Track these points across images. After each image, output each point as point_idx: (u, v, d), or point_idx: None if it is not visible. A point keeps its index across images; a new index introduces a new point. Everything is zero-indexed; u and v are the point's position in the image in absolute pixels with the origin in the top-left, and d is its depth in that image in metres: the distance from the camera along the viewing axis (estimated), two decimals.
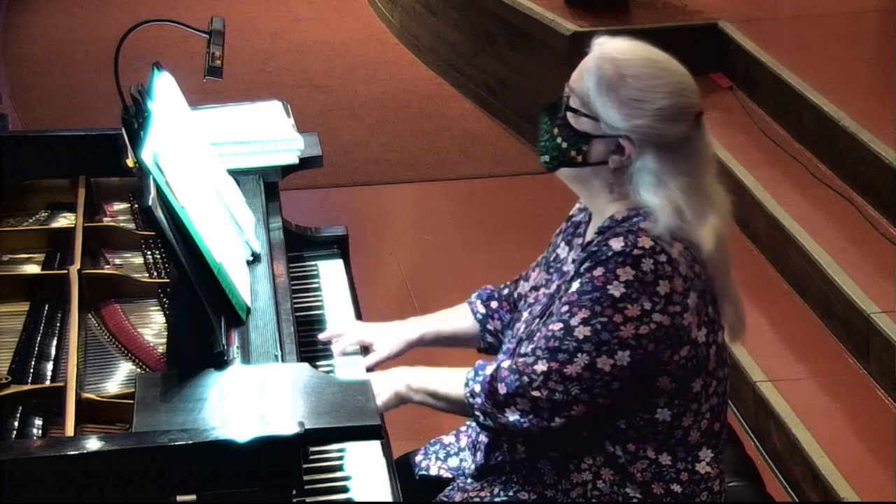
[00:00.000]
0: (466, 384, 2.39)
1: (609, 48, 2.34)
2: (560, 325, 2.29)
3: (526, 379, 2.30)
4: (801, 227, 4.43)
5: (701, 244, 2.30)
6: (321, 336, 2.74)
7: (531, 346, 2.34)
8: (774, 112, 5.24)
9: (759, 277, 4.48)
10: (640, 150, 2.30)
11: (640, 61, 2.32)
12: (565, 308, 2.29)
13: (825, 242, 4.32)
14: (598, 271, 2.26)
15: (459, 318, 2.76)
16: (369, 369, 2.66)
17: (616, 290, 2.24)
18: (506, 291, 2.73)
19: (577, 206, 2.59)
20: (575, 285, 2.30)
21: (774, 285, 4.47)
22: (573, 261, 2.41)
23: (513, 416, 2.33)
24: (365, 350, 2.72)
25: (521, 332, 2.47)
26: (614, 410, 2.33)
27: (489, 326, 2.71)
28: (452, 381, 2.45)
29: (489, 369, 2.38)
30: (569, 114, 2.35)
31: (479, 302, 2.74)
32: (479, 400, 2.37)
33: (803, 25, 5.79)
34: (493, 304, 2.72)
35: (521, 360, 2.34)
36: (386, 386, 2.48)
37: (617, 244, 2.27)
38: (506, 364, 2.36)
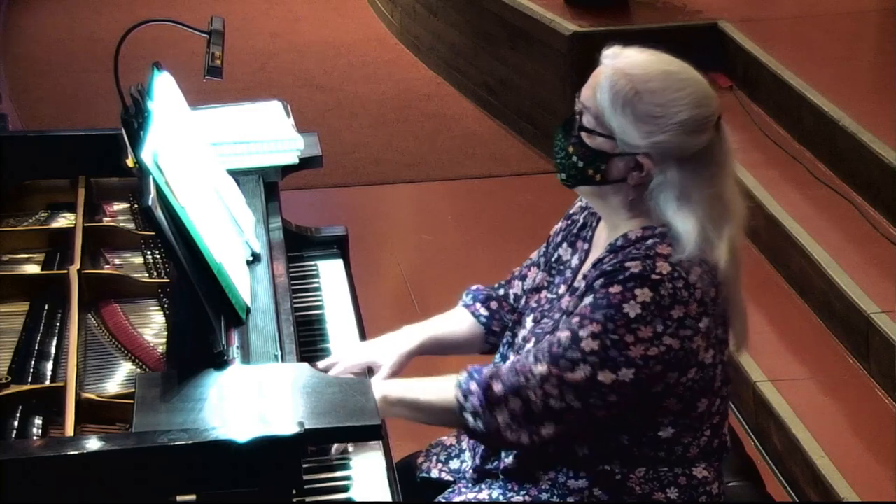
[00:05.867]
0: (459, 385, 2.33)
1: (622, 63, 2.27)
2: (568, 333, 2.25)
3: (523, 379, 2.27)
4: (801, 227, 4.43)
5: (718, 262, 2.26)
6: (321, 365, 2.61)
7: (535, 349, 2.31)
8: (774, 112, 5.24)
9: (759, 277, 4.48)
10: (660, 166, 2.25)
11: (657, 74, 2.26)
12: (576, 319, 2.25)
13: (825, 242, 4.32)
14: (615, 288, 2.22)
15: (457, 323, 2.69)
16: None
17: (632, 310, 2.21)
18: (501, 292, 2.68)
19: (578, 204, 2.56)
20: (588, 299, 2.26)
21: (774, 285, 4.47)
22: (584, 276, 2.37)
23: (502, 418, 2.28)
24: (370, 371, 2.62)
25: (530, 349, 2.39)
26: (616, 427, 2.31)
27: (494, 328, 2.66)
28: (434, 388, 2.38)
29: (486, 370, 2.33)
30: (583, 133, 2.30)
31: (478, 304, 2.68)
32: (473, 400, 2.30)
33: (803, 25, 5.79)
34: (493, 305, 2.67)
35: (521, 359, 2.31)
36: None
37: (635, 267, 2.22)
38: (507, 364, 2.33)
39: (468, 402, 2.32)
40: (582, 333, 2.23)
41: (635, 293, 2.21)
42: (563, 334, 2.26)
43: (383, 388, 2.42)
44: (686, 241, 2.23)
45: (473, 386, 2.31)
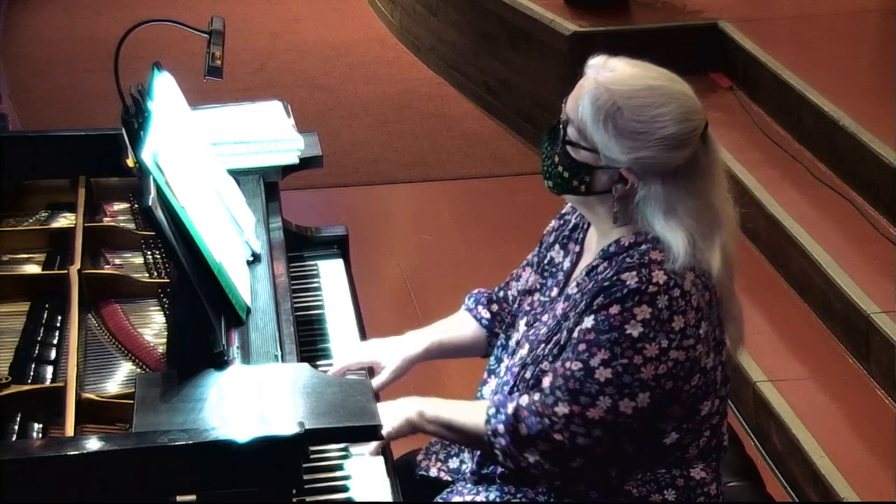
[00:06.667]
0: (488, 421, 2.33)
1: (605, 76, 2.24)
2: (580, 364, 2.25)
3: (547, 421, 2.27)
4: (801, 227, 4.43)
5: (710, 268, 2.25)
6: (331, 372, 2.61)
7: (549, 383, 2.29)
8: (774, 112, 5.24)
9: (759, 277, 4.48)
10: (643, 180, 2.24)
11: (640, 90, 2.23)
12: (583, 347, 2.25)
13: (825, 242, 4.32)
14: (615, 309, 2.22)
15: (461, 328, 2.69)
16: (377, 391, 2.56)
17: (634, 329, 2.21)
18: (502, 294, 2.67)
19: (570, 204, 2.56)
20: (589, 321, 2.25)
21: (774, 285, 4.47)
22: (578, 283, 2.36)
23: (533, 458, 2.30)
24: (371, 372, 2.63)
25: (524, 354, 2.41)
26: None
27: (496, 330, 2.65)
28: (468, 414, 2.38)
29: (510, 408, 2.31)
30: (567, 146, 2.29)
31: (480, 307, 2.68)
32: (502, 441, 2.31)
33: (803, 25, 5.79)
34: (494, 308, 2.67)
35: (538, 398, 2.29)
36: (397, 413, 2.40)
37: (631, 280, 2.22)
38: (524, 402, 2.30)
39: (496, 440, 2.33)
40: (593, 363, 2.23)
41: (634, 312, 2.21)
42: (575, 365, 2.25)
43: (420, 404, 2.42)
44: (676, 253, 2.23)
45: (501, 427, 2.32)
